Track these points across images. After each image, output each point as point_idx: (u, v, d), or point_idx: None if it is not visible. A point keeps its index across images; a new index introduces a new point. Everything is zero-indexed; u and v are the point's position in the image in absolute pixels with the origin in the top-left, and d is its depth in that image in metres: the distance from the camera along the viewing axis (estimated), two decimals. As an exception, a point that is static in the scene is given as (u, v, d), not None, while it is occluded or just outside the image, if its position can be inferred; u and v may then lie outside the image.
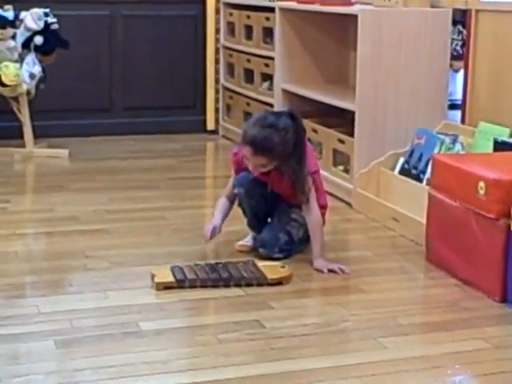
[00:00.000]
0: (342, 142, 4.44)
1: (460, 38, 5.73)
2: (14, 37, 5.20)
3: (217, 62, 6.19)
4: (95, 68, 5.99)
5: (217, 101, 6.25)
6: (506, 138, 3.83)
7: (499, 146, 3.78)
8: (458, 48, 5.78)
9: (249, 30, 5.70)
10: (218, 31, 6.14)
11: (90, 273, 3.31)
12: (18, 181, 4.88)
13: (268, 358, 2.58)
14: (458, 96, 5.15)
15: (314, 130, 4.67)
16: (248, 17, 5.67)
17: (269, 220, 3.60)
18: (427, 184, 3.72)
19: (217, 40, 6.16)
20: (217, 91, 6.23)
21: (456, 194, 3.27)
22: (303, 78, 5.21)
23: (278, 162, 3.36)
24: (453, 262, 3.30)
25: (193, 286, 3.13)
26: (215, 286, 3.14)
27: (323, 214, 3.52)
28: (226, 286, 3.15)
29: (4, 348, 2.62)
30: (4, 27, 5.17)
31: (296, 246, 3.53)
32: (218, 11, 6.12)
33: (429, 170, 3.75)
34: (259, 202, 3.52)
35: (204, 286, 3.14)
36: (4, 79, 5.11)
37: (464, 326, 2.86)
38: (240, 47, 5.80)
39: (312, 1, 4.90)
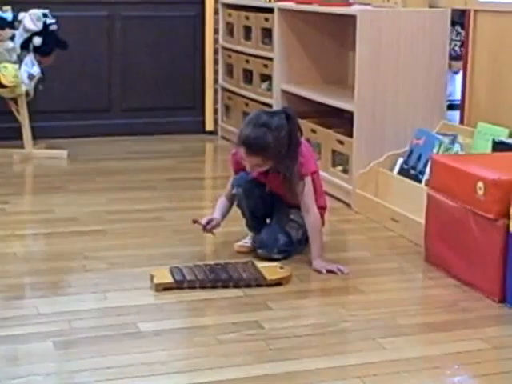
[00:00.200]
0: (340, 142, 4.44)
1: (459, 38, 5.74)
2: (12, 38, 5.20)
3: (216, 62, 6.19)
4: (94, 69, 5.98)
5: (216, 101, 6.25)
6: (504, 139, 3.83)
7: (498, 146, 3.78)
8: (457, 48, 5.78)
9: (248, 30, 5.70)
10: (216, 32, 6.14)
11: (89, 274, 3.31)
12: (16, 182, 4.88)
13: (267, 359, 2.58)
14: (458, 96, 5.15)
15: (313, 131, 4.67)
16: (247, 17, 5.67)
17: (268, 221, 3.60)
18: (426, 184, 3.72)
19: (215, 41, 6.16)
20: (216, 92, 6.23)
21: (455, 194, 3.27)
22: (302, 79, 5.21)
23: (274, 162, 3.36)
24: (452, 262, 3.30)
25: (192, 287, 3.13)
26: (214, 287, 3.14)
27: (322, 215, 3.52)
28: (225, 286, 3.15)
29: (3, 349, 2.61)
30: (3, 28, 5.17)
31: (295, 246, 3.53)
32: (216, 12, 6.12)
33: (428, 170, 3.75)
34: (257, 202, 3.52)
35: (203, 287, 3.14)
36: (3, 80, 5.10)
37: (463, 326, 2.86)
38: (239, 48, 5.80)
39: (311, 1, 4.90)
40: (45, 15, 5.20)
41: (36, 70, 5.22)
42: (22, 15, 5.18)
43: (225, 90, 6.11)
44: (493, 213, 3.05)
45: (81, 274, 3.32)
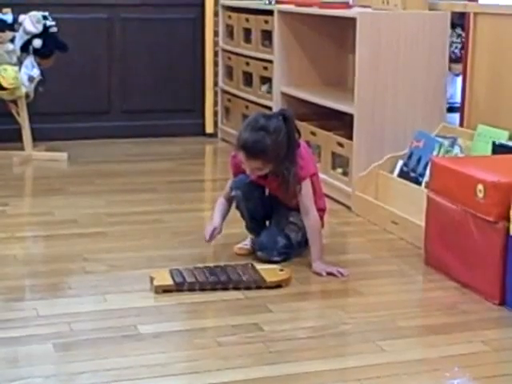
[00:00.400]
0: (340, 145, 4.44)
1: (459, 40, 5.74)
2: (12, 40, 5.21)
3: (215, 64, 6.19)
4: (94, 71, 5.99)
5: (215, 104, 6.25)
6: (504, 141, 3.83)
7: (498, 148, 3.78)
8: (457, 51, 5.79)
9: (247, 32, 5.70)
10: (216, 34, 6.14)
11: (89, 276, 3.31)
12: (16, 184, 4.88)
13: (267, 361, 2.58)
14: (458, 99, 5.15)
15: (313, 133, 4.67)
16: (247, 20, 5.67)
17: (267, 223, 3.60)
18: (426, 187, 3.72)
19: (215, 43, 6.16)
20: (215, 94, 6.23)
21: (455, 196, 3.27)
22: (302, 81, 5.22)
23: (273, 165, 3.35)
24: (452, 264, 3.30)
25: (192, 289, 3.13)
26: (214, 289, 3.14)
27: (322, 217, 3.52)
28: (225, 289, 3.15)
29: (3, 351, 2.61)
30: (3, 30, 5.18)
31: (294, 249, 3.53)
32: (216, 14, 6.12)
33: (427, 172, 3.75)
34: (256, 205, 3.51)
35: (203, 289, 3.14)
36: (3, 82, 5.10)
37: (463, 328, 2.86)
38: (239, 50, 5.80)
39: (310, 4, 4.90)
40: (45, 17, 5.20)
41: (36, 72, 5.22)
42: (22, 17, 5.18)
43: (225, 92, 6.12)
44: (493, 215, 3.05)
45: (80, 276, 3.32)
